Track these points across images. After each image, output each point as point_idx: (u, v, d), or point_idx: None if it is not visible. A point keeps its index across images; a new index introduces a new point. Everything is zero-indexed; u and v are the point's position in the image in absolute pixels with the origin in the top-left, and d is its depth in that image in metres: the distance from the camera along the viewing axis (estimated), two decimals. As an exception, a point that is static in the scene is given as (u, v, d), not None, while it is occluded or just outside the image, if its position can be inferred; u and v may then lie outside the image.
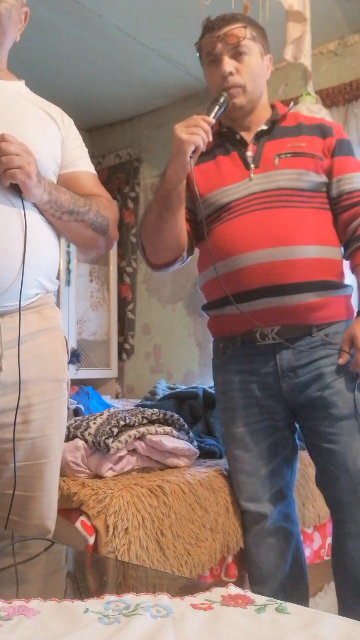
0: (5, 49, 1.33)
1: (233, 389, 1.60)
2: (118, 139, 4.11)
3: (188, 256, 1.67)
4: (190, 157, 1.40)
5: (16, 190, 1.18)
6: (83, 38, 3.04)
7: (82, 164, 1.39)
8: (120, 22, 2.94)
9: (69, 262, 3.63)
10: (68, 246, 3.62)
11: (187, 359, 3.68)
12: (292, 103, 1.78)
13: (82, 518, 1.48)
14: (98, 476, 1.66)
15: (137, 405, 2.47)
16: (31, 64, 3.24)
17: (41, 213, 1.27)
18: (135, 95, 3.72)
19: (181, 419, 1.87)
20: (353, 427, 1.48)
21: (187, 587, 0.82)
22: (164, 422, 1.81)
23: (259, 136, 1.59)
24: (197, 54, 1.63)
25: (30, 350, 1.22)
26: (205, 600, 0.69)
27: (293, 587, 1.58)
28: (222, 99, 1.50)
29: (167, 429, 1.77)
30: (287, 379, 1.52)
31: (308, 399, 1.52)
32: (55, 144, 1.33)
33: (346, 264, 1.60)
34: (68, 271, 3.62)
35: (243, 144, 1.59)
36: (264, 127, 1.59)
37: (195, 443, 1.89)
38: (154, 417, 1.78)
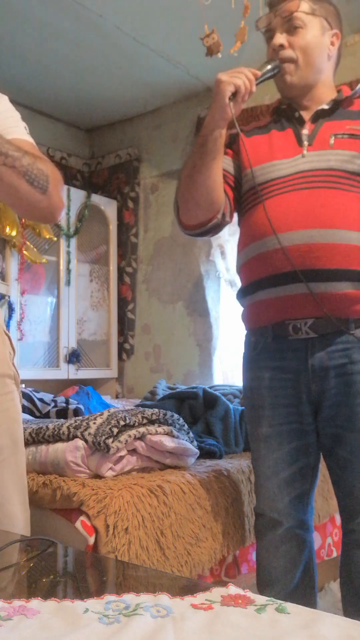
0: None
1: (262, 387, 1.51)
2: (118, 139, 4.11)
3: (223, 222, 1.56)
4: (230, 100, 1.35)
5: None
6: (83, 38, 3.04)
7: (17, 131, 1.26)
8: (120, 22, 2.94)
9: (69, 262, 3.63)
10: (68, 246, 3.63)
11: (187, 359, 3.68)
12: (359, 86, 1.67)
13: (82, 518, 1.48)
14: (98, 476, 1.66)
15: (137, 405, 2.47)
16: (31, 64, 3.24)
17: None
18: (135, 95, 3.72)
19: (181, 419, 1.87)
20: None
21: (187, 587, 0.82)
22: (164, 422, 1.81)
23: (319, 115, 1.52)
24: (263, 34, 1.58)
25: None
26: (205, 600, 0.69)
27: (301, 594, 1.53)
28: (273, 64, 1.47)
29: (167, 428, 1.77)
30: (318, 380, 1.44)
31: (334, 404, 1.44)
32: None
33: None
34: (68, 271, 3.62)
35: (300, 122, 1.53)
36: (325, 107, 1.52)
37: (195, 443, 1.89)
38: (154, 417, 1.78)
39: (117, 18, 2.90)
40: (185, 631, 0.61)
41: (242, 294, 1.58)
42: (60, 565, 0.93)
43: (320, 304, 1.37)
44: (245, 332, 1.62)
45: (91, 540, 1.44)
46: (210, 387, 2.67)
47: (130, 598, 0.69)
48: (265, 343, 1.51)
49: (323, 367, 1.43)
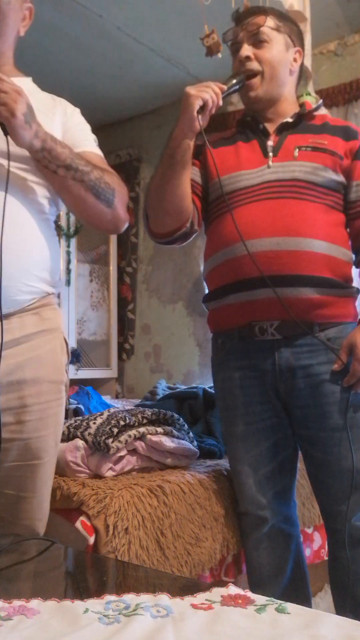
0: (6, 39, 1.28)
1: (233, 386, 1.55)
2: (118, 139, 4.11)
3: (192, 231, 1.60)
4: (198, 113, 1.40)
5: (4, 132, 1.11)
6: (83, 38, 3.04)
7: (87, 144, 1.33)
8: (120, 22, 2.94)
9: (69, 262, 3.63)
10: (68, 246, 3.62)
11: (187, 359, 3.68)
12: (320, 101, 1.76)
13: (82, 518, 1.48)
14: (98, 476, 1.66)
15: (137, 405, 2.47)
16: (31, 63, 3.24)
17: (38, 214, 1.22)
18: (135, 95, 3.72)
19: (181, 419, 1.87)
20: (346, 438, 1.43)
21: (187, 587, 0.82)
22: (164, 422, 1.81)
23: (283, 128, 1.57)
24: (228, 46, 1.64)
25: (27, 351, 1.21)
26: (205, 600, 0.69)
27: (294, 589, 1.56)
28: (237, 78, 1.51)
29: (167, 429, 1.77)
30: (284, 380, 1.48)
31: (303, 405, 1.48)
32: None
33: (355, 272, 1.56)
34: (68, 271, 3.62)
35: (265, 134, 1.58)
36: (289, 120, 1.57)
37: (195, 443, 1.89)
38: (154, 417, 1.78)
39: (117, 18, 2.90)
40: (185, 631, 0.61)
41: (209, 299, 1.62)
42: (60, 565, 0.93)
43: (286, 307, 1.42)
44: (212, 335, 1.66)
45: (91, 540, 1.43)
46: (210, 387, 2.66)
47: (130, 598, 0.69)
48: (232, 344, 1.55)
49: (289, 367, 1.48)
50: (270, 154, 1.54)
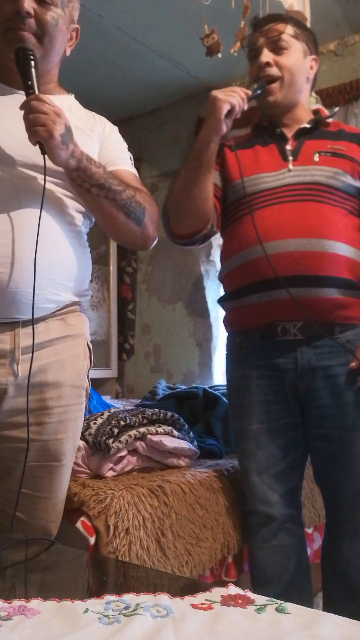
0: (52, 59, 1.34)
1: (250, 385, 1.56)
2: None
3: (211, 231, 1.63)
4: (225, 117, 1.43)
5: (42, 151, 1.16)
6: (83, 38, 3.03)
7: (123, 162, 1.37)
8: (120, 22, 2.94)
9: (69, 262, 3.63)
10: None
11: (187, 359, 3.68)
12: (336, 109, 1.81)
13: (83, 518, 1.48)
14: (98, 476, 1.66)
15: (138, 405, 2.47)
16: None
17: (69, 227, 1.26)
18: (135, 95, 3.72)
19: (181, 419, 1.87)
20: None
21: (187, 587, 0.82)
22: (164, 422, 1.81)
23: (300, 134, 1.60)
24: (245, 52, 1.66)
25: (50, 355, 1.24)
26: (205, 600, 0.69)
27: (297, 589, 1.56)
28: (258, 83, 1.54)
29: (168, 429, 1.77)
30: (305, 379, 1.50)
31: (321, 405, 1.51)
32: None
33: None
34: (68, 271, 3.61)
35: (283, 138, 1.61)
36: (307, 126, 1.61)
37: (196, 443, 1.89)
38: (155, 417, 1.78)
39: (117, 18, 2.90)
40: (185, 631, 0.61)
41: (228, 298, 1.64)
42: (60, 565, 0.93)
43: (303, 310, 1.45)
44: (228, 334, 1.68)
45: (92, 540, 1.44)
46: (211, 387, 2.66)
47: (130, 598, 0.69)
48: (252, 343, 1.56)
49: (311, 367, 1.50)
50: (290, 157, 1.57)
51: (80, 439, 1.66)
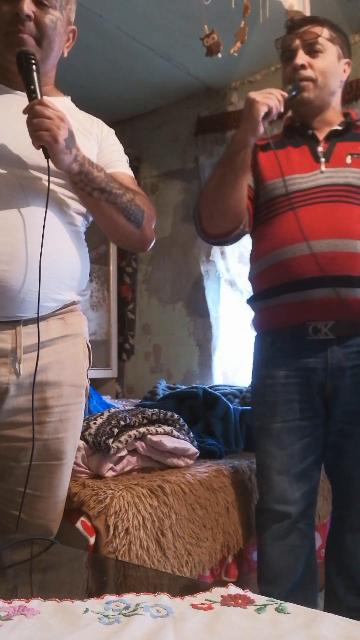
0: (50, 62, 1.35)
1: (277, 384, 1.57)
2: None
3: (243, 231, 1.64)
4: (263, 119, 1.44)
5: (46, 155, 1.18)
6: (83, 38, 3.03)
7: (120, 165, 1.40)
8: (120, 22, 2.94)
9: (69, 262, 3.63)
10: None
11: (187, 359, 3.68)
12: None
13: (83, 518, 1.48)
14: (98, 476, 1.66)
15: (138, 405, 2.47)
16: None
17: (70, 226, 1.27)
18: (135, 95, 3.72)
19: (181, 419, 1.87)
20: None
21: (187, 587, 0.82)
22: (164, 422, 1.81)
23: (331, 135, 1.62)
24: (279, 53, 1.67)
25: (50, 354, 1.24)
26: (205, 600, 0.69)
27: (303, 589, 1.56)
28: (293, 84, 1.55)
29: (168, 429, 1.77)
30: (334, 379, 1.52)
31: (346, 402, 1.53)
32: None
33: None
34: (68, 271, 3.61)
35: (315, 140, 1.62)
36: (338, 128, 1.62)
37: (196, 443, 1.89)
38: (154, 417, 1.78)
39: (117, 18, 2.90)
40: (185, 631, 0.61)
41: (260, 298, 1.64)
42: (60, 565, 0.93)
43: (347, 307, 1.47)
44: (257, 334, 1.67)
45: (92, 540, 1.44)
46: (210, 387, 2.67)
47: (130, 598, 0.69)
48: (283, 343, 1.57)
49: (340, 367, 1.51)
50: (322, 159, 1.58)
51: (80, 438, 1.66)
